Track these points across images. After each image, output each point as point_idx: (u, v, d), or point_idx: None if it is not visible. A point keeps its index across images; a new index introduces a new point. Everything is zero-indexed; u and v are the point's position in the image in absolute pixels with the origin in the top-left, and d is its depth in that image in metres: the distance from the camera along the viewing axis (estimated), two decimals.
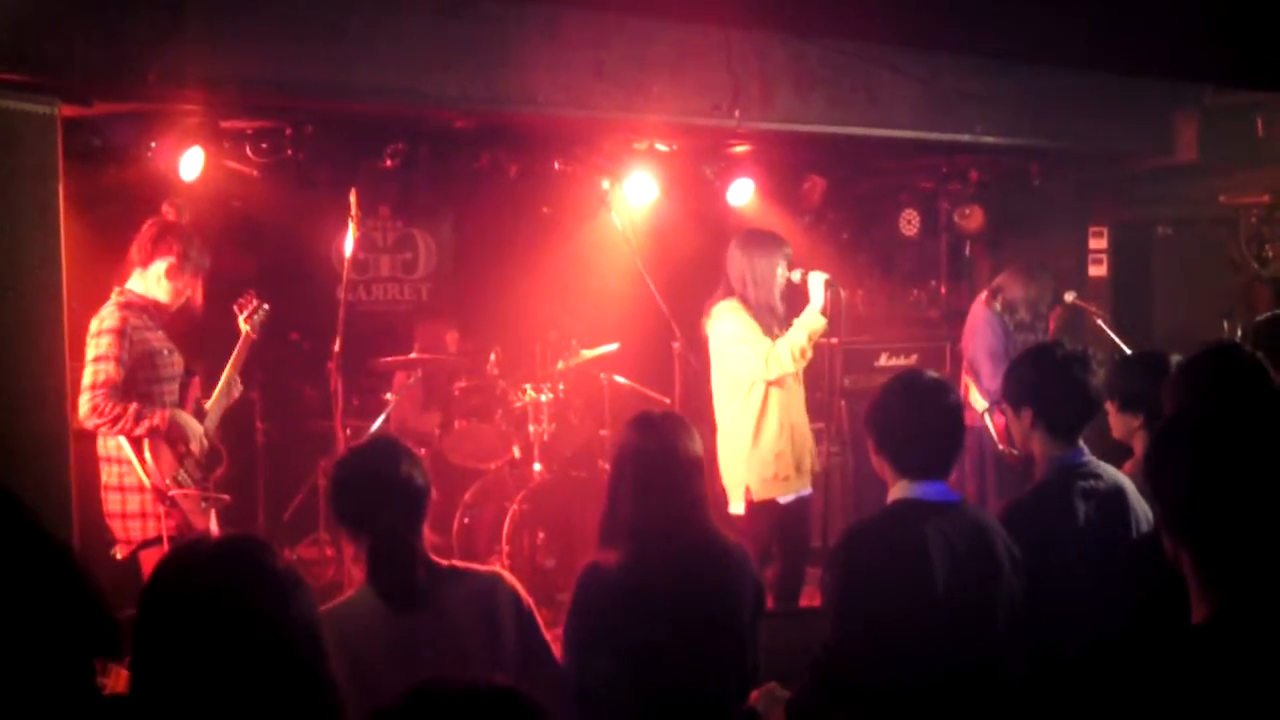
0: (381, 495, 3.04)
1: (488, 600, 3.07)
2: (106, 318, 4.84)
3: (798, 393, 5.57)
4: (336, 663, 2.87)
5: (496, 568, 3.23)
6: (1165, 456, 1.95)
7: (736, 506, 5.45)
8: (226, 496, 5.15)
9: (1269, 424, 1.87)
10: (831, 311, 5.34)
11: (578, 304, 8.26)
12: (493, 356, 7.50)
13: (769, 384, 5.40)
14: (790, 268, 5.46)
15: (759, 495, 5.41)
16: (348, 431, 6.67)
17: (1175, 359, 3.80)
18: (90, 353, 4.77)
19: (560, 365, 7.21)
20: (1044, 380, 3.57)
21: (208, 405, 5.20)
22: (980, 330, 6.94)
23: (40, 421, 4.71)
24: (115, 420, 4.73)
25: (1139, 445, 3.87)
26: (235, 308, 5.50)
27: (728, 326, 5.43)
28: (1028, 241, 8.32)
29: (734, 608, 3.34)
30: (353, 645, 2.89)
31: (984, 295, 7.05)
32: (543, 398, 6.94)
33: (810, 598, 5.71)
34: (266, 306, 5.53)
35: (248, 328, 5.44)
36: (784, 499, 5.46)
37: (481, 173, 7.89)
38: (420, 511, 3.10)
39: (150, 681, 1.91)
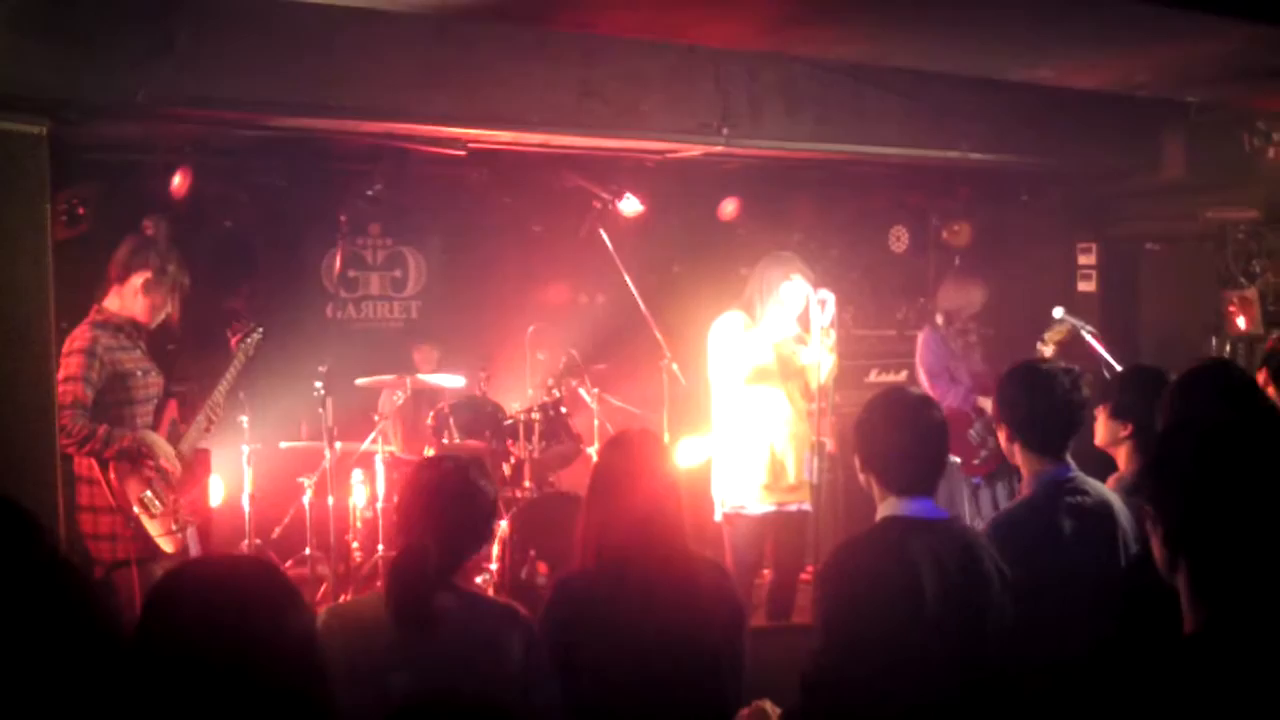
0: (430, 509, 3.06)
1: (499, 632, 3.05)
2: (77, 338, 4.83)
3: (788, 406, 5.58)
4: (334, 666, 2.87)
5: (513, 604, 3.22)
6: (1168, 468, 1.96)
7: (716, 515, 5.56)
8: (195, 519, 5.12)
9: (1270, 438, 1.89)
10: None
11: (567, 321, 8.26)
12: (482, 374, 7.49)
13: (744, 392, 5.48)
14: (813, 287, 5.49)
15: (729, 504, 5.51)
16: (336, 449, 6.67)
17: (1173, 377, 3.83)
18: (60, 373, 4.74)
19: (549, 383, 7.21)
20: (1021, 396, 3.60)
21: (189, 429, 5.16)
22: (918, 349, 7.14)
23: (29, 438, 4.67)
24: (84, 441, 4.71)
25: (1122, 456, 3.89)
26: (229, 331, 5.49)
27: (718, 335, 5.53)
28: (1016, 257, 8.34)
29: (702, 625, 3.31)
30: (353, 648, 2.89)
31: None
32: (533, 415, 6.94)
33: (803, 613, 5.71)
34: (261, 331, 5.52)
35: (240, 352, 5.42)
36: (756, 510, 5.49)
37: (471, 191, 7.90)
38: (470, 534, 3.12)
39: (148, 699, 1.90)
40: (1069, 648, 3.12)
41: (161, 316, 5.07)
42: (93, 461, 4.79)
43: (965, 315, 7.09)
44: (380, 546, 7.02)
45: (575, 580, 3.37)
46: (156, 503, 4.89)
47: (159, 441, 4.96)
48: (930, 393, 6.89)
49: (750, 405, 5.54)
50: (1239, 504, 1.84)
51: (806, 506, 5.52)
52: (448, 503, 3.07)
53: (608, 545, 3.32)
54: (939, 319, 7.19)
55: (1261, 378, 4.22)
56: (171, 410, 5.12)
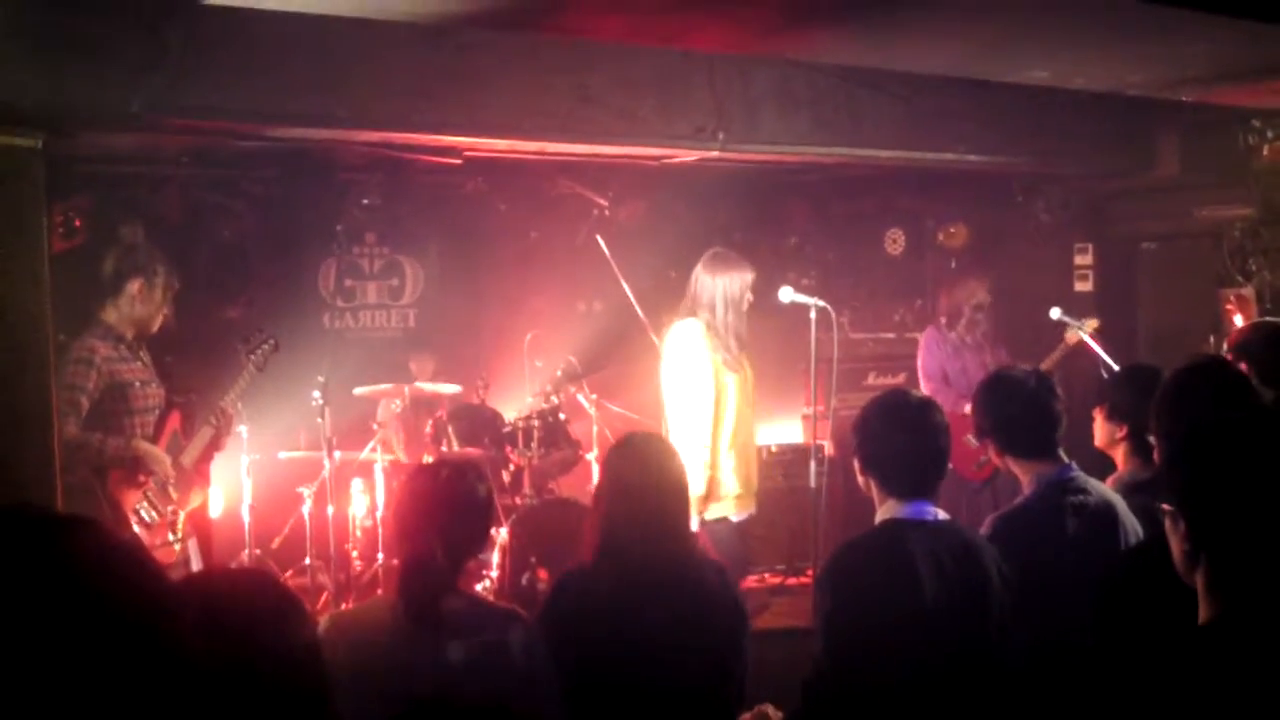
0: (432, 515, 3.05)
1: (501, 634, 3.05)
2: (75, 348, 4.87)
3: (748, 414, 5.65)
4: (338, 672, 2.86)
5: (515, 607, 3.23)
6: (1190, 467, 1.99)
7: (693, 524, 5.58)
8: (195, 531, 5.12)
9: None
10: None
11: (565, 328, 8.27)
12: (480, 382, 7.49)
13: (720, 404, 5.49)
14: (753, 292, 5.62)
15: (713, 514, 5.53)
16: (335, 459, 6.66)
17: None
18: (59, 383, 4.76)
19: (548, 389, 7.21)
20: (992, 405, 3.68)
21: (190, 441, 5.16)
22: (919, 352, 7.20)
23: (27, 450, 4.67)
24: (78, 450, 4.71)
25: (1120, 456, 3.89)
26: (239, 343, 5.53)
27: (677, 350, 5.57)
28: (1013, 259, 8.35)
29: (706, 626, 3.32)
30: (358, 653, 2.89)
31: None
32: (532, 422, 6.94)
33: (804, 617, 5.73)
34: (273, 342, 5.54)
35: (251, 364, 5.43)
36: (737, 517, 5.56)
37: (467, 198, 7.90)
38: (470, 537, 3.13)
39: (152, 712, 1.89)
40: (1069, 644, 3.12)
41: (157, 323, 5.11)
42: (88, 472, 4.79)
43: (970, 307, 7.10)
44: (380, 555, 7.02)
45: (575, 576, 3.38)
46: (152, 513, 4.89)
47: (153, 451, 4.95)
48: (927, 393, 6.98)
49: (718, 416, 5.56)
50: (1259, 501, 1.88)
51: (754, 510, 5.72)
52: (448, 508, 3.07)
53: (609, 543, 3.32)
54: (942, 320, 7.22)
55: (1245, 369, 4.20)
56: (174, 422, 5.12)
